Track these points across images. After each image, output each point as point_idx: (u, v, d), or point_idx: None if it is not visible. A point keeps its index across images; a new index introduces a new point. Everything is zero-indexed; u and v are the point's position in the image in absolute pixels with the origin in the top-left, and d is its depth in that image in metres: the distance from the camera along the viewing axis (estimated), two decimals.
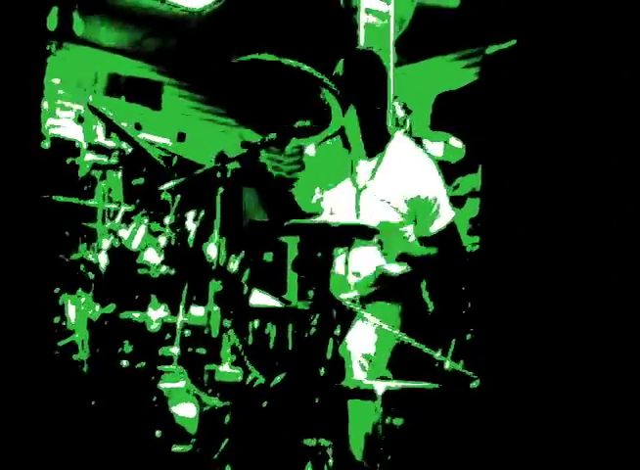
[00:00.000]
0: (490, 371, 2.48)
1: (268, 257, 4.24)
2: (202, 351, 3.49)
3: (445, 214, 4.07)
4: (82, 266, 4.38)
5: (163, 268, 3.72)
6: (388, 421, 3.31)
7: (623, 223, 2.13)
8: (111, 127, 4.28)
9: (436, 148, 5.38)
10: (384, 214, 4.00)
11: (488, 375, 2.46)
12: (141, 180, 4.49)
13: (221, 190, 3.42)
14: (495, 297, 2.43)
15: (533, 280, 2.31)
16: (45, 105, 5.65)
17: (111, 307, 3.93)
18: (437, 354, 3.26)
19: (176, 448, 3.33)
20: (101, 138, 5.07)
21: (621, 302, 2.11)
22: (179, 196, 3.89)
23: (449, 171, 4.76)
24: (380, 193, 4.07)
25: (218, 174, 3.42)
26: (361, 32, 6.05)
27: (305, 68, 3.25)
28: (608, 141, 2.18)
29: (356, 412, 3.41)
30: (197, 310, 3.55)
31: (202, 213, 3.77)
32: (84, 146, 4.76)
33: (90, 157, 4.71)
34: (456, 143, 5.44)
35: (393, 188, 4.05)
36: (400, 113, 5.40)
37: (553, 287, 2.26)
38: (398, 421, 3.42)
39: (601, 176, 2.20)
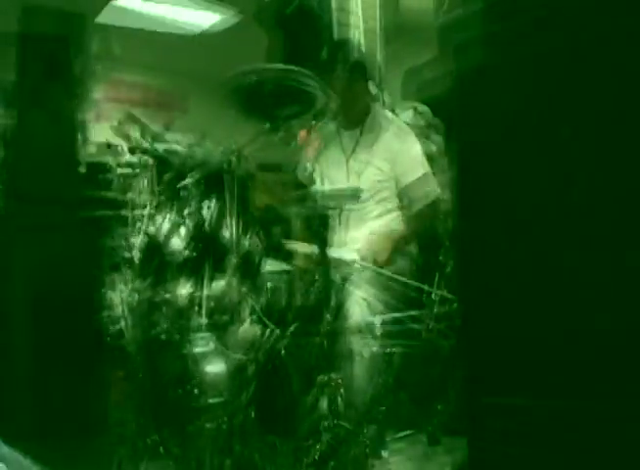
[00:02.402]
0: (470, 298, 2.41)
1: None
2: (225, 317, 3.45)
3: (422, 170, 4.07)
4: (122, 252, 4.41)
5: (186, 253, 3.70)
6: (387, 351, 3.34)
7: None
8: (143, 129, 4.30)
9: (407, 114, 5.44)
10: (370, 175, 4.03)
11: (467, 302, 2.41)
12: (170, 175, 4.49)
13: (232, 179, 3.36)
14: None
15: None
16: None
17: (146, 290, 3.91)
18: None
19: (212, 401, 3.30)
20: (137, 139, 5.09)
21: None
22: (199, 187, 3.88)
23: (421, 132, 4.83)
24: (364, 156, 4.11)
25: (230, 166, 3.38)
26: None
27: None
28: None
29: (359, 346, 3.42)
30: (218, 284, 3.53)
31: (215, 202, 3.76)
32: (124, 148, 4.79)
33: (127, 158, 4.74)
34: (422, 107, 5.51)
35: (375, 151, 4.08)
36: (374, 90, 5.45)
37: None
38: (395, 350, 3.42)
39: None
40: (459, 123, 2.45)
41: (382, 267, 4.00)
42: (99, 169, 5.35)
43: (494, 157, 2.29)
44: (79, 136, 5.69)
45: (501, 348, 2.19)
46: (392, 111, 4.99)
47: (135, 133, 5.01)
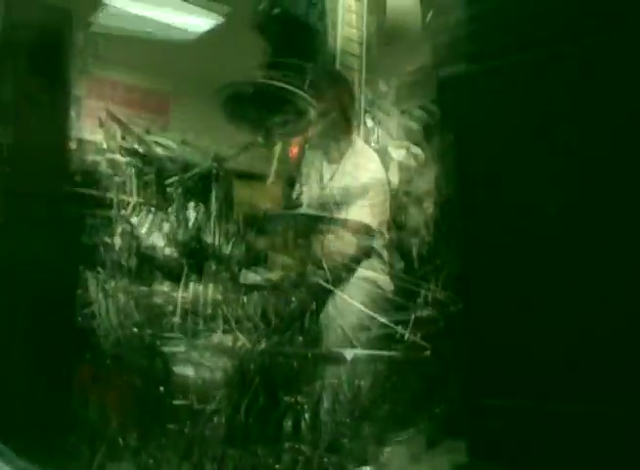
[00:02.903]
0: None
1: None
2: (198, 321, 3.39)
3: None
4: (102, 248, 4.32)
5: (167, 251, 3.63)
6: (355, 383, 3.26)
7: None
8: (125, 130, 4.19)
9: (399, 153, 5.35)
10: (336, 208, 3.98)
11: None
12: (151, 176, 4.42)
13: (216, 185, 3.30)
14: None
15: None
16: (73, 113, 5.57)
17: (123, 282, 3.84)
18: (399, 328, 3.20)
19: (177, 402, 3.24)
20: (118, 140, 5.01)
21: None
22: (181, 189, 3.80)
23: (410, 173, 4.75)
24: (334, 191, 4.05)
25: (214, 171, 3.30)
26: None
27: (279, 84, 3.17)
28: None
29: (328, 374, 3.34)
30: (195, 288, 3.47)
31: (200, 205, 3.69)
32: (104, 146, 4.68)
33: (109, 155, 4.63)
34: (416, 149, 5.41)
35: (341, 188, 4.02)
36: (370, 123, 5.35)
37: None
38: (365, 383, 3.35)
39: None
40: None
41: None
42: (81, 165, 5.25)
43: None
44: (64, 131, 5.60)
45: (500, 349, 2.17)
46: (384, 149, 4.89)
47: (116, 133, 4.97)
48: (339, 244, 3.90)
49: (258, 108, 3.36)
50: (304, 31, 5.58)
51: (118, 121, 4.31)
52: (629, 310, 1.94)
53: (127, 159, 4.42)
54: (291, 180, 4.49)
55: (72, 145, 5.82)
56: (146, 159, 4.36)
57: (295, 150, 4.18)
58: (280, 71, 3.83)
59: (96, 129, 5.43)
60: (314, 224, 3.30)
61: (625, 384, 1.95)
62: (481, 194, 2.27)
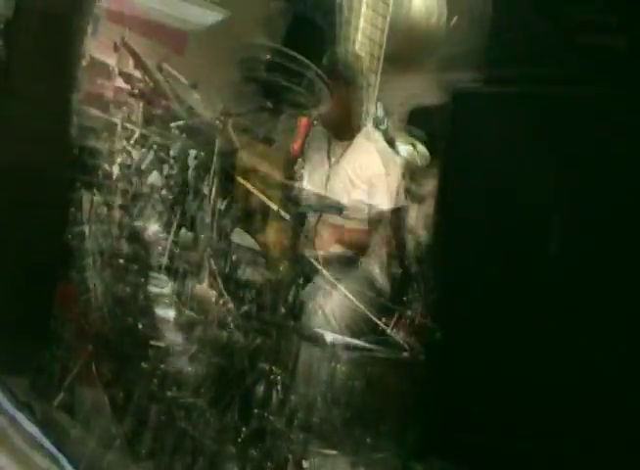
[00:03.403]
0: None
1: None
2: (185, 266, 3.39)
3: (389, 199, 4.00)
4: (100, 172, 4.28)
5: (163, 191, 3.61)
6: (332, 365, 3.29)
7: None
8: (136, 60, 4.12)
9: (406, 149, 5.28)
10: (343, 188, 3.94)
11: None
12: (157, 112, 4.37)
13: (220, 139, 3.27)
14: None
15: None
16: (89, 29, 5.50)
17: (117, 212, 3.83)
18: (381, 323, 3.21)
19: (153, 342, 3.26)
20: (130, 68, 4.93)
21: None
22: (185, 135, 3.77)
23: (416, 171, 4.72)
24: (345, 170, 4.01)
25: (220, 126, 3.26)
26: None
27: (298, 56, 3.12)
28: None
29: (306, 352, 3.36)
30: (186, 235, 3.46)
31: (202, 154, 3.66)
32: (116, 71, 4.60)
33: (119, 81, 4.56)
34: (423, 149, 5.34)
35: (353, 166, 4.00)
36: (380, 113, 5.29)
37: None
38: (342, 367, 3.37)
39: None
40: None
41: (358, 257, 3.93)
42: (90, 83, 5.18)
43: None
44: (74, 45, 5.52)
45: (473, 385, 2.18)
46: (392, 141, 4.85)
47: (129, 61, 4.88)
48: (333, 229, 3.92)
49: (272, 73, 3.31)
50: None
51: (132, 52, 4.24)
52: (603, 358, 1.96)
53: (136, 89, 4.36)
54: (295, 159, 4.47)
55: (84, 62, 5.76)
56: (153, 93, 4.30)
57: (303, 121, 4.15)
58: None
59: (110, 52, 5.35)
60: (314, 204, 3.27)
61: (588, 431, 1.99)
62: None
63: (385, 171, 4.14)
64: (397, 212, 4.17)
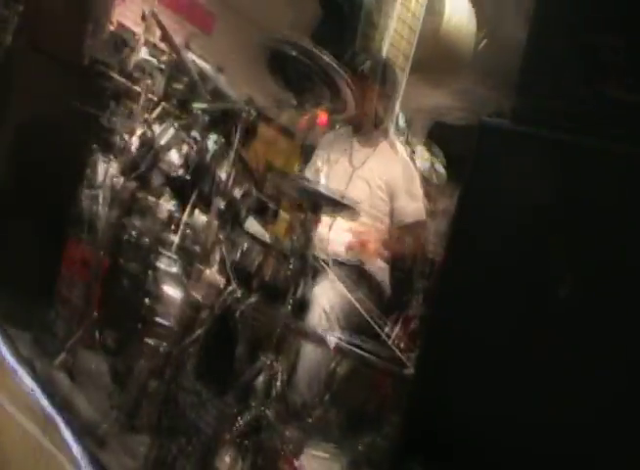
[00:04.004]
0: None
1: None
2: (196, 248, 3.37)
3: (415, 211, 3.97)
4: (118, 138, 4.22)
5: (181, 171, 3.56)
6: (332, 367, 3.28)
7: None
8: (165, 35, 4.04)
9: (424, 165, 5.24)
10: (363, 194, 3.90)
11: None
12: (180, 86, 4.31)
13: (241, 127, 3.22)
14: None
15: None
16: None
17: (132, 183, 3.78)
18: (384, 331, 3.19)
19: (159, 320, 3.23)
20: (156, 39, 4.86)
21: None
22: (207, 118, 3.72)
23: (432, 189, 4.67)
24: (368, 176, 3.97)
25: (243, 114, 3.21)
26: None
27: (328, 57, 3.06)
28: None
29: (308, 351, 3.35)
30: (200, 217, 3.43)
31: (222, 140, 3.61)
32: (141, 40, 4.52)
33: (144, 51, 4.48)
34: (440, 168, 5.29)
35: (376, 174, 3.94)
36: (402, 123, 5.23)
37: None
38: (342, 369, 3.36)
39: None
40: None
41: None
42: (115, 49, 5.11)
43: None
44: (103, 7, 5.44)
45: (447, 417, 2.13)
46: (411, 152, 4.80)
47: (156, 32, 4.80)
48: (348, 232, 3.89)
49: (298, 71, 3.25)
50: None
51: (160, 24, 4.16)
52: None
53: (161, 63, 4.30)
54: (312, 148, 4.42)
55: (111, 26, 5.68)
56: (179, 70, 4.25)
57: (324, 118, 4.10)
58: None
59: (138, 20, 5.28)
60: (329, 205, 3.23)
61: None
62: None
63: (408, 185, 4.12)
64: (417, 226, 4.15)
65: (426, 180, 4.37)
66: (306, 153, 4.46)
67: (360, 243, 3.83)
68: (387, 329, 3.29)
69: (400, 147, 4.34)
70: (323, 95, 3.27)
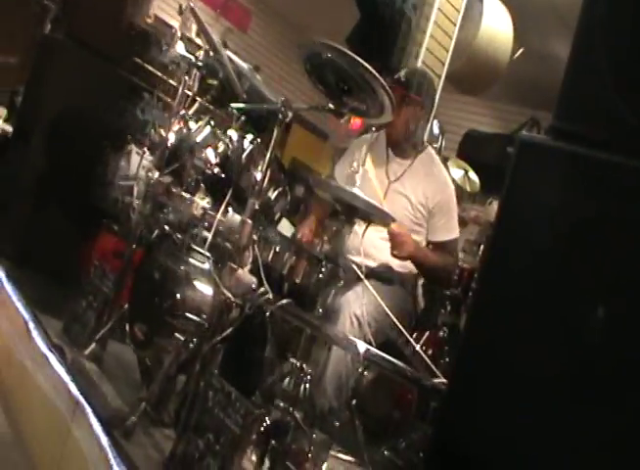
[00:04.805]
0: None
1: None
2: (228, 246, 3.33)
3: (453, 228, 3.91)
4: (152, 131, 4.19)
5: (216, 169, 3.53)
6: (360, 375, 3.24)
7: None
8: (202, 31, 4.00)
9: (457, 174, 5.18)
10: (403, 209, 3.84)
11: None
12: (215, 82, 4.27)
13: (277, 130, 3.17)
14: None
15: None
16: None
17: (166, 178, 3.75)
18: (412, 340, 3.15)
19: (189, 315, 3.20)
20: (192, 34, 4.82)
21: None
22: (243, 118, 3.68)
23: (464, 197, 4.61)
24: (405, 189, 3.90)
25: (280, 116, 3.17)
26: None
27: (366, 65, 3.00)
28: None
29: (336, 356, 3.31)
30: (234, 216, 3.39)
31: (258, 140, 3.58)
32: (178, 34, 4.47)
33: (180, 46, 4.44)
34: (474, 176, 5.24)
35: (417, 190, 3.87)
36: (436, 130, 5.17)
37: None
38: (370, 375, 3.33)
39: None
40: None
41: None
42: (150, 41, 5.08)
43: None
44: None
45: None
46: (446, 161, 4.74)
47: (192, 27, 4.75)
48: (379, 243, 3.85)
49: (336, 75, 3.21)
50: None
51: (197, 19, 4.12)
52: None
53: (197, 59, 4.25)
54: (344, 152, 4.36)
55: (148, 19, 5.65)
56: (215, 66, 4.20)
57: (358, 122, 4.04)
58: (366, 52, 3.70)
59: (175, 15, 5.23)
60: (365, 211, 3.19)
61: None
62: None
63: (446, 201, 4.06)
64: (452, 244, 4.10)
65: (459, 188, 4.30)
66: (340, 156, 4.41)
67: (401, 239, 3.76)
68: (415, 335, 3.26)
69: (437, 160, 4.27)
70: (360, 99, 3.22)
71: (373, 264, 3.90)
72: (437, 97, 4.79)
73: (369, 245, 3.80)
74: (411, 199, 4.03)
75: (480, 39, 5.85)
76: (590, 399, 1.87)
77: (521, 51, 6.06)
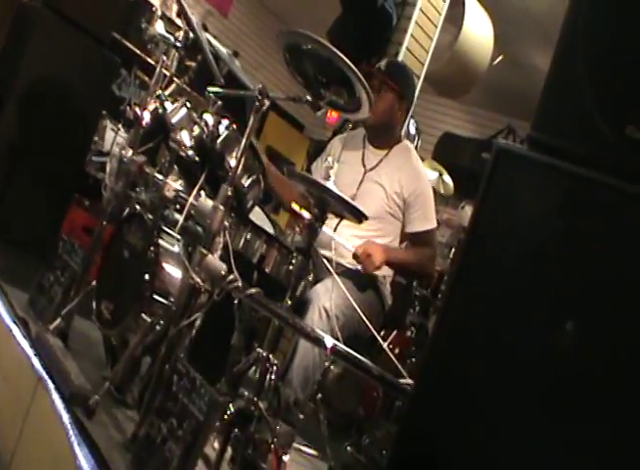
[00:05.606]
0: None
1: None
2: (199, 229, 3.27)
3: (429, 219, 3.87)
4: (128, 108, 4.10)
5: (190, 152, 3.45)
6: (326, 369, 3.21)
7: None
8: (182, 11, 3.91)
9: (432, 176, 5.13)
10: (378, 198, 3.80)
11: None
12: (193, 64, 4.18)
13: (253, 117, 3.10)
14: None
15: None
16: None
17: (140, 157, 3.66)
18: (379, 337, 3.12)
19: (156, 297, 3.14)
20: (172, 14, 4.72)
21: None
22: (220, 102, 3.60)
23: (437, 199, 4.55)
24: (380, 178, 3.86)
25: (257, 103, 3.11)
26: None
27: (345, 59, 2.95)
28: None
29: (304, 348, 3.28)
30: (207, 201, 3.32)
31: (234, 126, 3.50)
32: (158, 13, 4.37)
33: (160, 25, 4.34)
34: (448, 179, 5.20)
35: (392, 179, 3.84)
36: (412, 130, 5.12)
37: None
38: (336, 369, 3.30)
39: None
40: None
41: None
42: (132, 20, 4.98)
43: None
44: None
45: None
46: (421, 160, 4.69)
47: (173, 6, 4.66)
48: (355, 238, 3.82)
49: (315, 67, 3.16)
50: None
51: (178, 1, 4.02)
52: None
53: (176, 40, 4.16)
54: (320, 144, 4.32)
55: None
56: (195, 48, 4.12)
57: (335, 116, 3.99)
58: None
59: None
60: (337, 205, 3.14)
61: None
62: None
63: (422, 191, 4.03)
64: (428, 234, 4.06)
65: (433, 190, 4.26)
66: (315, 147, 4.37)
67: (366, 254, 3.73)
68: (382, 333, 3.24)
69: (414, 152, 4.25)
70: (338, 93, 3.18)
71: (343, 262, 3.89)
72: (416, 94, 4.76)
73: (343, 239, 3.78)
74: (386, 188, 4.01)
75: (460, 42, 5.82)
76: (556, 401, 1.87)
77: (500, 57, 6.05)
